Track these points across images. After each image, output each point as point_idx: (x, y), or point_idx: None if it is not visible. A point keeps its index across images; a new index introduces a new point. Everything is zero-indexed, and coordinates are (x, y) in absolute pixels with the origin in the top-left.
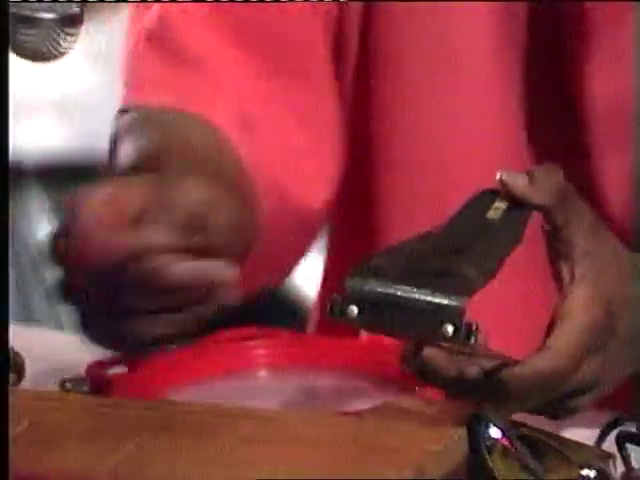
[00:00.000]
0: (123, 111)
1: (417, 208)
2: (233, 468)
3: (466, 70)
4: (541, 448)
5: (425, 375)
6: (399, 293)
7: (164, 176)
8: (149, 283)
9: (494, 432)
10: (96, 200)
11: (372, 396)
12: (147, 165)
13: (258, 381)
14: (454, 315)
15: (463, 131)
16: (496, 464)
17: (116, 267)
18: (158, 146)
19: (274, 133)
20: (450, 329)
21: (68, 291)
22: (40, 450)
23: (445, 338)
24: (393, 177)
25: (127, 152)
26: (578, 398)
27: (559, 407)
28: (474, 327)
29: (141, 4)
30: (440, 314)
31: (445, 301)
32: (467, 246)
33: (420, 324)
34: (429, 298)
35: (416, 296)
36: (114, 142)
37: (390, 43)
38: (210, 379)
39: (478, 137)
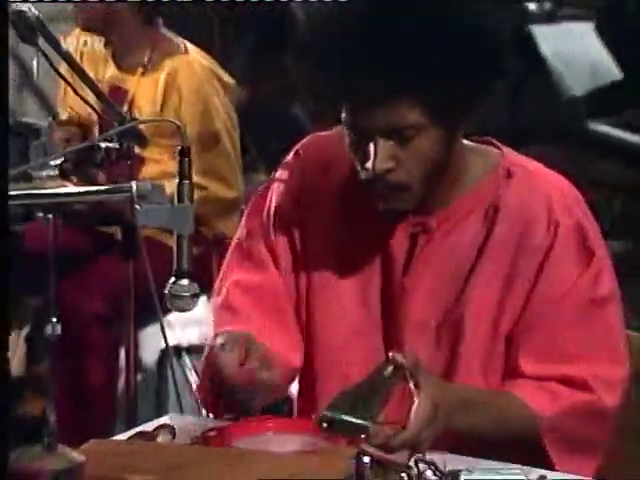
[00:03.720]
0: (217, 335)
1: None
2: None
3: (347, 315)
4: (385, 465)
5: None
6: (344, 418)
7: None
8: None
9: (366, 459)
10: (228, 363)
11: (312, 444)
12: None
13: (268, 438)
14: (366, 430)
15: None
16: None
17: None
18: (243, 344)
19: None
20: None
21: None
22: (174, 468)
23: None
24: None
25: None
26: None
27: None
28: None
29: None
30: (358, 429)
31: (363, 423)
32: (368, 396)
33: (348, 432)
34: (355, 420)
35: (349, 419)
36: (212, 350)
37: (316, 314)
38: (249, 436)
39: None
